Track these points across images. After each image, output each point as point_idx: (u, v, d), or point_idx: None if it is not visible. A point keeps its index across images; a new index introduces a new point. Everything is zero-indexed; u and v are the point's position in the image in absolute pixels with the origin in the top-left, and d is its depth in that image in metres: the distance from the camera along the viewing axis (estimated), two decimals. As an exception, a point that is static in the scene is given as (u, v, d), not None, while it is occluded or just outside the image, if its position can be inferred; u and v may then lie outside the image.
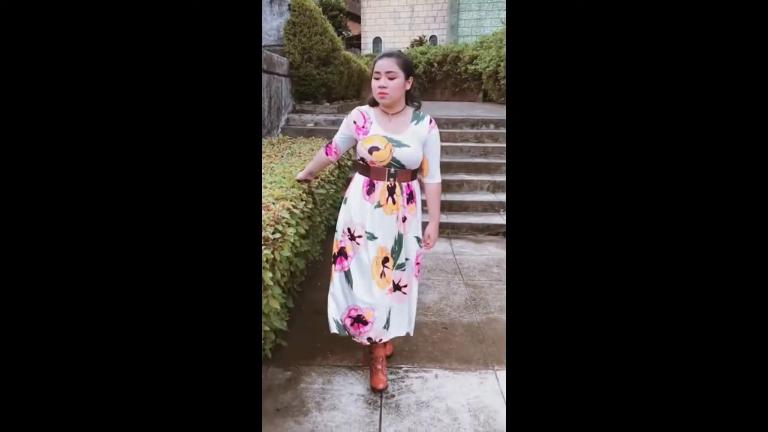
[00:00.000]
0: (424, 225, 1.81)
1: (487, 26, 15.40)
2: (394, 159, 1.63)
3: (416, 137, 1.65)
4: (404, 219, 1.72)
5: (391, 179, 1.66)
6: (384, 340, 1.78)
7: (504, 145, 5.03)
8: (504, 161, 4.73)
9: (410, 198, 1.72)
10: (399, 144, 1.63)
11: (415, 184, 1.75)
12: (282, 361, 1.97)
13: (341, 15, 14.17)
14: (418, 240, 1.81)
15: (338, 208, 3.57)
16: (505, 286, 2.83)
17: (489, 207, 4.13)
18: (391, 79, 1.58)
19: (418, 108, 1.72)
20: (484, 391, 1.82)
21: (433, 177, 1.76)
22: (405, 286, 1.78)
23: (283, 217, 1.64)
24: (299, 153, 3.09)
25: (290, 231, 1.61)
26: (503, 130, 5.29)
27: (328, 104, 5.55)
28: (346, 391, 1.80)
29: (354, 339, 1.77)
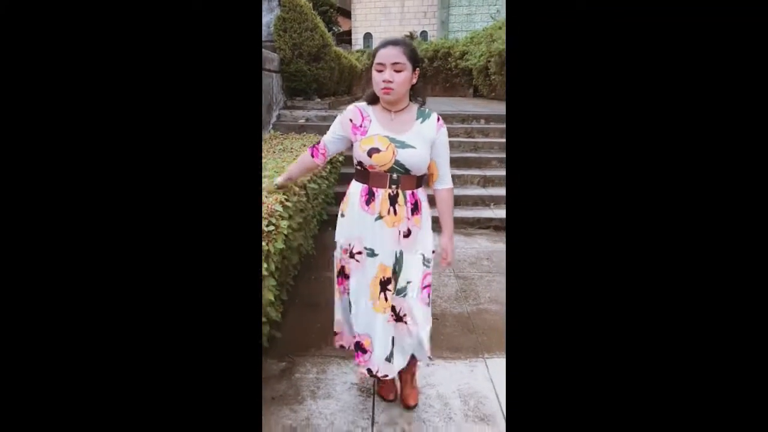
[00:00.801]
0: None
1: (477, 21, 15.45)
2: (397, 162, 1.42)
3: (422, 137, 1.45)
4: (408, 233, 1.48)
5: (393, 186, 1.44)
6: (390, 377, 1.56)
7: (494, 140, 5.09)
8: (494, 156, 4.80)
9: (415, 208, 1.49)
10: (403, 145, 1.42)
11: (421, 193, 1.52)
12: (277, 353, 2.01)
13: (331, 10, 14.13)
14: (426, 260, 1.55)
15: (330, 203, 3.62)
16: (494, 278, 2.89)
17: (479, 201, 4.18)
18: (397, 71, 1.36)
19: (422, 104, 1.51)
20: (474, 378, 1.87)
21: (444, 182, 1.56)
22: (405, 315, 1.53)
23: (277, 210, 1.67)
24: (291, 149, 3.12)
25: (284, 224, 1.64)
26: (493, 125, 5.35)
27: (319, 100, 5.56)
28: (340, 380, 1.84)
29: (357, 362, 1.61)
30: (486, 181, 4.47)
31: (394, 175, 1.44)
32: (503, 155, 4.74)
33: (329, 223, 3.50)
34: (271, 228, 1.55)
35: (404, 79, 1.37)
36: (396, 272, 1.50)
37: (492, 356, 2.04)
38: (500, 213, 3.99)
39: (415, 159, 1.43)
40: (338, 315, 1.67)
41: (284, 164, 2.39)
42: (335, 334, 1.73)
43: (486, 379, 1.87)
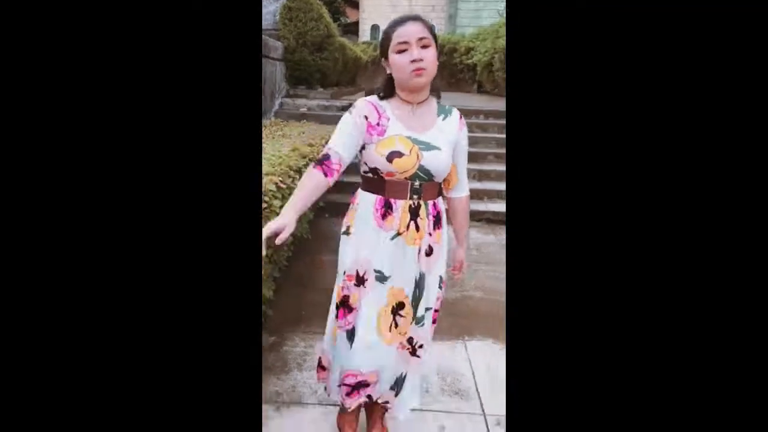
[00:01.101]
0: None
1: (485, 17, 15.39)
2: (421, 168, 1.17)
3: (446, 137, 1.23)
4: (429, 251, 1.25)
5: (415, 197, 1.20)
6: (390, 407, 1.36)
7: (492, 135, 5.17)
8: (491, 151, 4.88)
9: (437, 221, 1.26)
10: (428, 146, 1.18)
11: (441, 203, 1.30)
12: (268, 329, 2.12)
13: (339, 1, 14.10)
14: (441, 281, 1.32)
15: (327, 190, 3.69)
16: (480, 267, 2.99)
17: (474, 195, 4.21)
18: (425, 47, 1.13)
19: (439, 97, 1.30)
20: (453, 359, 1.97)
21: (463, 189, 1.35)
22: (421, 346, 1.31)
23: (270, 190, 1.76)
24: (290, 135, 3.21)
25: (276, 203, 1.73)
26: (492, 121, 5.42)
27: (322, 90, 5.64)
28: (326, 355, 1.95)
29: (347, 405, 1.32)
30: (482, 176, 4.56)
31: (417, 183, 1.19)
32: (501, 150, 4.82)
33: (325, 209, 3.59)
34: (264, 206, 1.64)
35: (434, 56, 1.15)
36: (416, 298, 1.26)
37: (472, 339, 2.14)
38: (492, 206, 4.08)
39: (441, 163, 1.20)
40: (328, 352, 1.39)
41: (281, 148, 2.48)
42: (321, 367, 1.44)
43: (464, 359, 1.97)
